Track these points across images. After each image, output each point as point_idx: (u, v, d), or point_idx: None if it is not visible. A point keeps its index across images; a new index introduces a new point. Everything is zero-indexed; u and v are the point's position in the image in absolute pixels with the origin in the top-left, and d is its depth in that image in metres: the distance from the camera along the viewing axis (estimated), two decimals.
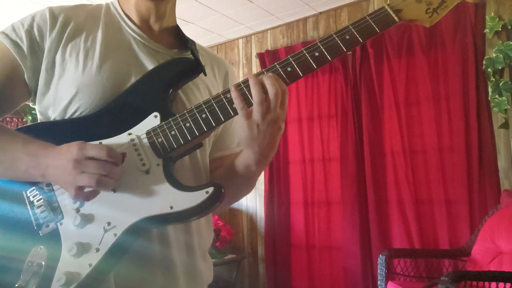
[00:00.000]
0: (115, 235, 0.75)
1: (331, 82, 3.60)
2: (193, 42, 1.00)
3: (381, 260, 2.52)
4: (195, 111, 0.81)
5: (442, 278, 1.92)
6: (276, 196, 3.81)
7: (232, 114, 0.80)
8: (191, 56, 0.94)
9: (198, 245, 0.92)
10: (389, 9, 0.80)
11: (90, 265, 0.74)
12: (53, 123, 0.85)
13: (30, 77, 0.85)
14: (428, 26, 0.81)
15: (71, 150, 0.74)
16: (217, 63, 1.06)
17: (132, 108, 0.84)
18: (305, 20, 3.89)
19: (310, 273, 3.62)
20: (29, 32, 0.86)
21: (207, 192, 0.76)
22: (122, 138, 0.81)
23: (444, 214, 3.00)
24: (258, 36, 4.20)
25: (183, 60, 0.90)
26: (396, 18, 0.79)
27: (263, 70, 0.82)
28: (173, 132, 0.80)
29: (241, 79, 0.82)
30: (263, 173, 3.92)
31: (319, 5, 3.66)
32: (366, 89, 3.37)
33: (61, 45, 0.86)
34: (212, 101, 0.81)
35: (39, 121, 0.89)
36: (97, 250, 0.75)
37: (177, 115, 0.81)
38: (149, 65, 0.90)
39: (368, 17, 0.80)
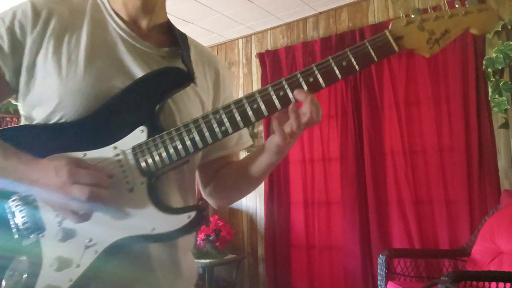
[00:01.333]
0: (96, 252, 0.75)
1: None
2: (184, 38, 0.97)
3: (381, 260, 2.52)
4: (182, 130, 0.79)
5: (442, 278, 1.92)
6: (276, 196, 3.81)
7: (220, 136, 0.78)
8: (181, 62, 0.90)
9: (181, 239, 0.88)
10: (389, 36, 0.77)
11: (70, 280, 0.74)
12: (38, 127, 0.82)
13: (11, 76, 0.82)
14: (427, 57, 0.79)
15: (60, 173, 0.72)
16: (209, 62, 1.01)
17: (118, 119, 0.80)
18: (305, 20, 3.89)
19: (310, 273, 3.62)
20: (10, 29, 0.81)
21: (189, 217, 0.76)
22: (107, 152, 0.78)
23: (444, 214, 3.00)
24: (258, 36, 4.20)
25: (173, 70, 0.86)
26: (395, 47, 0.76)
27: (268, 86, 0.80)
28: (159, 151, 0.78)
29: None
30: None
31: (319, 5, 3.66)
32: (366, 89, 3.37)
33: (43, 45, 0.82)
34: (201, 121, 0.78)
35: (22, 123, 0.86)
36: (78, 266, 0.75)
37: (165, 133, 0.79)
38: (137, 69, 0.86)
39: (367, 42, 0.77)
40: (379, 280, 2.54)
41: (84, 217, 0.74)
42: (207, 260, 3.55)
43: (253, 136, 4.09)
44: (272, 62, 3.92)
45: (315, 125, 3.14)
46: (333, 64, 0.77)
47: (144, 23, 0.91)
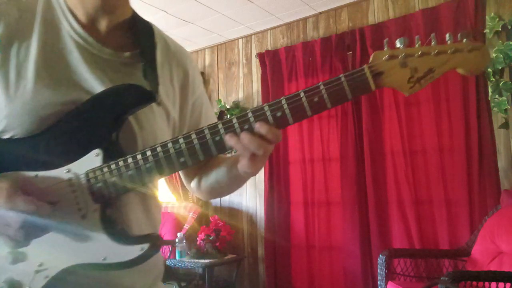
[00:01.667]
0: (46, 277, 0.73)
1: None
2: (150, 35, 0.88)
3: (381, 260, 2.52)
4: (139, 158, 0.74)
5: (442, 278, 1.92)
6: (276, 196, 3.81)
7: (178, 168, 0.74)
8: (142, 77, 0.82)
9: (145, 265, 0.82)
10: (368, 72, 0.69)
11: None
12: None
13: None
14: (406, 95, 0.71)
15: None
16: (177, 61, 0.92)
17: (72, 139, 0.75)
18: (305, 20, 3.89)
19: (310, 273, 3.62)
20: None
21: (142, 249, 0.73)
22: (59, 174, 0.74)
23: (444, 214, 3.00)
24: (258, 36, 4.20)
25: (133, 88, 0.78)
26: (372, 86, 0.69)
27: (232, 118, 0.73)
28: (113, 179, 0.74)
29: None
30: (263, 173, 3.92)
31: (319, 5, 3.66)
32: None
33: None
34: (159, 150, 0.74)
35: None
36: None
37: (120, 160, 0.74)
38: (94, 81, 0.78)
39: (343, 78, 0.70)
40: (379, 280, 2.54)
41: (20, 244, 0.71)
42: (207, 260, 3.55)
43: None
44: (272, 62, 3.92)
45: (315, 125, 3.12)
46: (304, 100, 0.70)
47: (104, 23, 0.82)
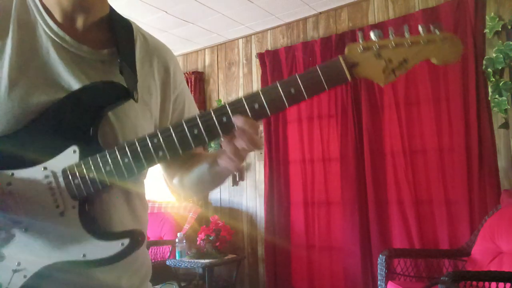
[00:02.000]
0: (24, 276, 0.72)
1: None
2: (129, 31, 0.88)
3: (381, 260, 2.52)
4: (117, 153, 0.73)
5: (442, 278, 1.92)
6: (276, 196, 3.81)
7: (157, 161, 0.73)
8: (123, 67, 0.82)
9: (125, 261, 0.80)
10: (343, 63, 0.70)
11: None
12: None
13: None
14: (382, 86, 0.73)
15: None
16: (158, 57, 0.92)
17: (48, 136, 0.74)
18: (305, 20, 3.89)
19: (310, 273, 3.62)
20: None
21: (122, 244, 0.72)
22: (36, 173, 0.73)
23: (444, 214, 3.00)
24: (258, 36, 4.20)
25: (110, 85, 0.78)
26: (348, 76, 0.70)
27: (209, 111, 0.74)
28: (91, 175, 0.73)
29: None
30: (263, 173, 3.93)
31: (319, 5, 3.66)
32: (366, 89, 3.37)
33: None
34: (137, 144, 0.73)
35: None
36: None
37: (98, 155, 0.73)
38: (72, 79, 0.77)
39: (318, 69, 0.71)
40: (379, 280, 2.54)
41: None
42: (207, 260, 3.55)
43: None
44: (272, 62, 3.92)
45: (315, 125, 3.12)
46: (281, 92, 0.71)
47: (80, 21, 0.81)
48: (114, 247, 0.73)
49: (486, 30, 2.94)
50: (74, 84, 0.77)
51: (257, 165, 4.10)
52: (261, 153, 4.01)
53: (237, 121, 0.71)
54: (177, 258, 3.72)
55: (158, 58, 0.91)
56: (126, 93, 0.77)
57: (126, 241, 0.73)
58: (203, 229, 3.79)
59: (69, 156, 0.74)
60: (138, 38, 0.89)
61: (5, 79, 0.74)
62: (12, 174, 0.73)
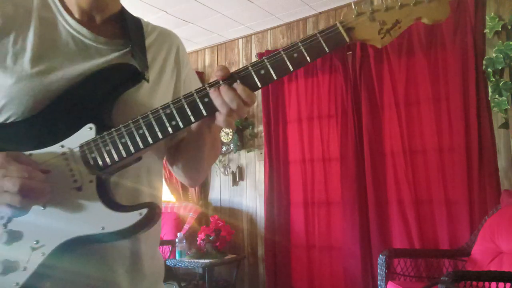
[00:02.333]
0: (43, 254, 0.73)
1: (331, 82, 3.60)
2: (138, 24, 0.94)
3: (381, 260, 2.52)
4: (131, 126, 0.76)
5: (442, 278, 1.92)
6: (276, 196, 3.81)
7: (171, 131, 0.76)
8: (136, 54, 0.88)
9: (144, 235, 0.83)
10: (340, 27, 0.76)
11: (17, 284, 0.72)
12: None
13: None
14: (379, 47, 0.78)
15: None
16: (166, 41, 0.99)
17: (65, 117, 0.78)
18: (305, 20, 3.89)
19: (310, 273, 3.62)
20: None
21: (140, 214, 0.73)
22: (53, 151, 0.76)
23: (444, 214, 3.00)
24: (258, 36, 4.20)
25: (122, 67, 0.83)
26: (346, 38, 0.76)
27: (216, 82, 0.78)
28: (107, 148, 0.75)
29: None
30: (263, 173, 3.93)
31: (319, 5, 3.66)
32: (366, 89, 3.38)
33: None
34: (151, 116, 0.76)
35: None
36: (25, 268, 0.73)
37: (113, 129, 0.76)
38: (88, 66, 0.83)
39: (318, 34, 0.76)
40: (379, 280, 2.54)
41: (20, 210, 0.71)
42: (207, 260, 3.55)
43: (253, 135, 4.09)
44: None
45: (315, 125, 3.13)
46: (284, 56, 0.75)
47: (96, 18, 0.89)
48: (132, 217, 0.74)
49: (486, 30, 2.94)
50: (91, 70, 0.83)
51: (257, 165, 4.10)
52: (261, 153, 4.01)
53: (238, 86, 0.75)
54: (177, 258, 3.72)
55: (167, 42, 0.98)
56: (138, 74, 0.82)
57: (144, 211, 0.74)
58: (203, 229, 3.79)
59: (86, 133, 0.77)
60: (147, 28, 0.97)
61: (27, 63, 0.79)
62: (30, 154, 0.76)
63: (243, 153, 4.17)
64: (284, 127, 3.86)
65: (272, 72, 0.75)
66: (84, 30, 0.86)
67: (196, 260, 3.56)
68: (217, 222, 3.83)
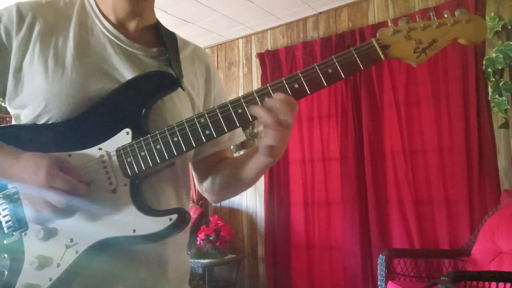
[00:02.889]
0: (76, 252, 0.75)
1: None
2: (173, 38, 0.97)
3: (381, 260, 2.52)
4: (167, 133, 0.79)
5: (442, 278, 1.92)
6: (276, 196, 3.81)
7: (204, 140, 0.78)
8: (168, 67, 0.90)
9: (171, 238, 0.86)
10: (376, 45, 0.76)
11: (50, 279, 0.75)
12: (25, 127, 0.83)
13: None
14: (414, 66, 0.78)
15: (39, 174, 0.73)
16: (199, 59, 1.01)
17: (104, 121, 0.81)
18: (305, 20, 3.89)
19: (310, 273, 3.62)
20: None
21: (170, 219, 0.75)
22: (92, 153, 0.79)
23: (444, 214, 3.00)
24: (258, 36, 4.20)
25: (161, 74, 0.86)
26: (382, 56, 0.75)
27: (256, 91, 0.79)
28: (142, 153, 0.78)
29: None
30: None
31: (319, 5, 3.66)
32: (366, 89, 3.38)
33: (29, 49, 0.82)
34: (185, 124, 0.79)
35: (13, 123, 0.88)
36: (58, 265, 0.75)
37: (149, 135, 0.79)
38: (125, 71, 0.86)
39: (353, 51, 0.76)
40: (379, 280, 2.54)
41: (57, 217, 0.75)
42: (207, 260, 3.55)
43: (253, 136, 4.09)
44: (272, 62, 3.92)
45: (315, 125, 3.13)
46: (318, 72, 0.76)
47: (132, 25, 0.91)
48: (163, 222, 0.75)
49: None
50: (127, 75, 0.86)
51: None
52: None
53: (279, 95, 0.76)
54: None
55: (199, 61, 1.01)
56: (175, 81, 0.85)
57: (174, 217, 0.76)
58: (203, 229, 3.79)
59: (123, 138, 0.80)
60: (181, 43, 1.00)
61: (67, 65, 0.82)
62: (70, 155, 0.79)
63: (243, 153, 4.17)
64: None
65: (306, 87, 0.76)
66: (121, 36, 0.89)
67: (196, 260, 3.56)
68: (217, 222, 3.83)
